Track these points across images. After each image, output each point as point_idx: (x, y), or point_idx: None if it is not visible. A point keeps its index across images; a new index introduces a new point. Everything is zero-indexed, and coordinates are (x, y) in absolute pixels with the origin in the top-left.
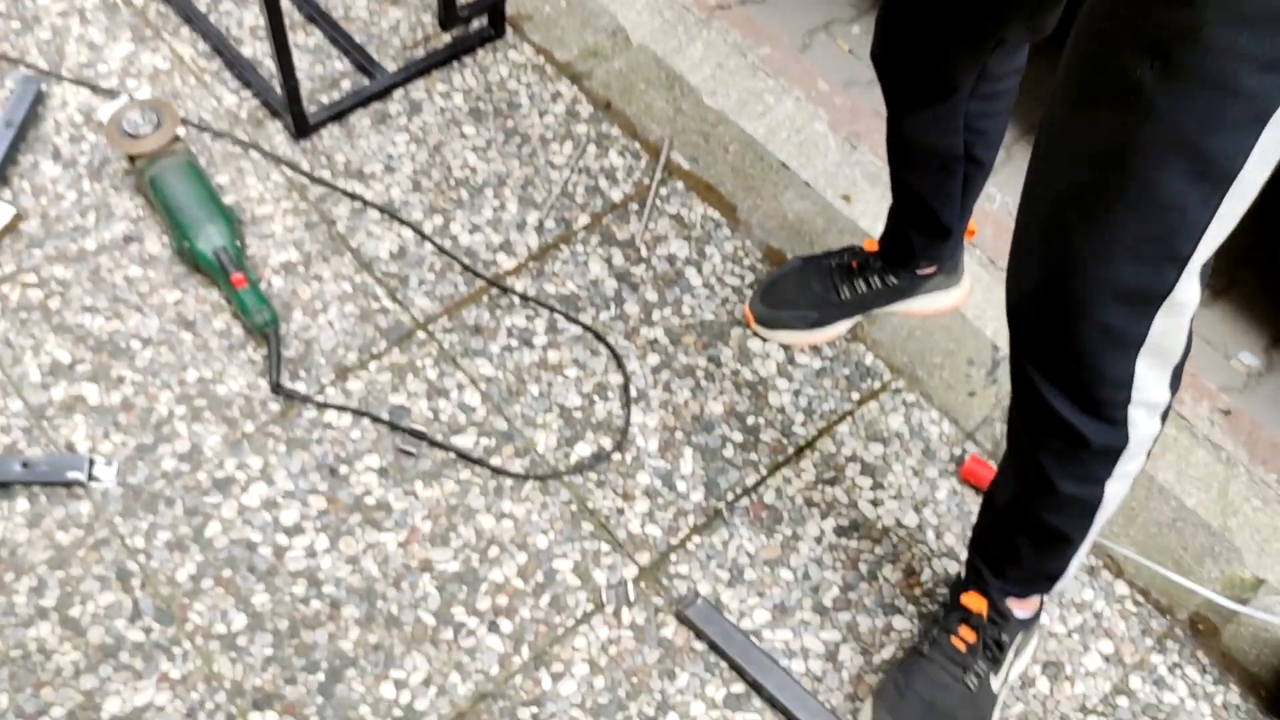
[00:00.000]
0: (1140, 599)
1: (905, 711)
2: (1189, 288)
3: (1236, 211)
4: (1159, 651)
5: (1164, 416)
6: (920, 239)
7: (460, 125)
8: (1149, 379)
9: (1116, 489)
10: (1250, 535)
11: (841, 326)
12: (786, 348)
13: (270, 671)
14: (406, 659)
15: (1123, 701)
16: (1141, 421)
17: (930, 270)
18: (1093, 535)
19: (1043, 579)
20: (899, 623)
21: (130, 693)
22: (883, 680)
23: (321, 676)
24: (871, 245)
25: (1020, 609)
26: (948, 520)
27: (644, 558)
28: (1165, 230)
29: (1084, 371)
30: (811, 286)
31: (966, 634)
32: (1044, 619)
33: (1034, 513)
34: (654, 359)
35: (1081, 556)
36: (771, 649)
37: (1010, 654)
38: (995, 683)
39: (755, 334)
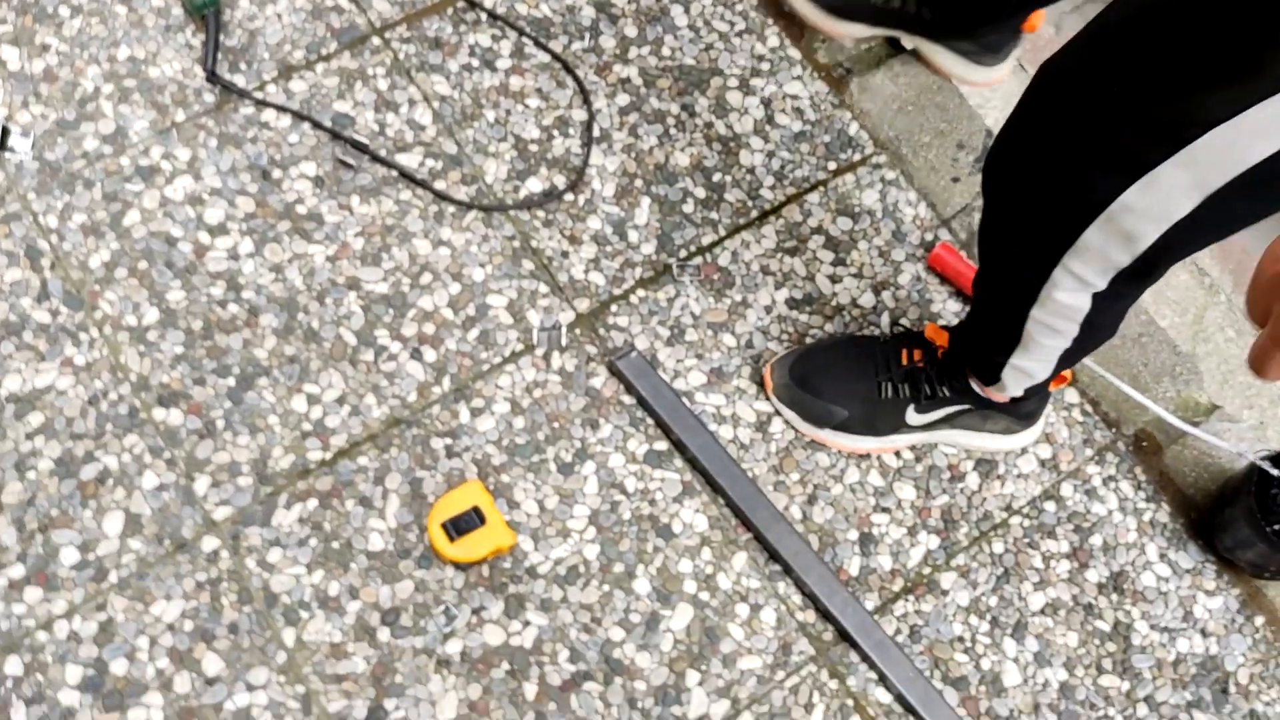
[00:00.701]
0: (1089, 409)
1: (802, 367)
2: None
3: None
4: (1097, 463)
5: (1098, 300)
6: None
7: None
8: (1089, 254)
9: (1036, 335)
10: (1217, 364)
11: (861, 30)
12: (767, 104)
13: (179, 370)
14: (322, 375)
15: (1049, 506)
16: (1063, 284)
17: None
18: (1022, 366)
19: (978, 366)
20: None
21: (31, 373)
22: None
23: (232, 381)
24: None
25: (977, 385)
26: (905, 305)
27: (583, 304)
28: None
29: (1044, 192)
30: None
31: (915, 354)
32: (1017, 442)
33: (977, 303)
34: (623, 99)
35: (1017, 380)
36: (702, 412)
37: (943, 410)
38: (910, 414)
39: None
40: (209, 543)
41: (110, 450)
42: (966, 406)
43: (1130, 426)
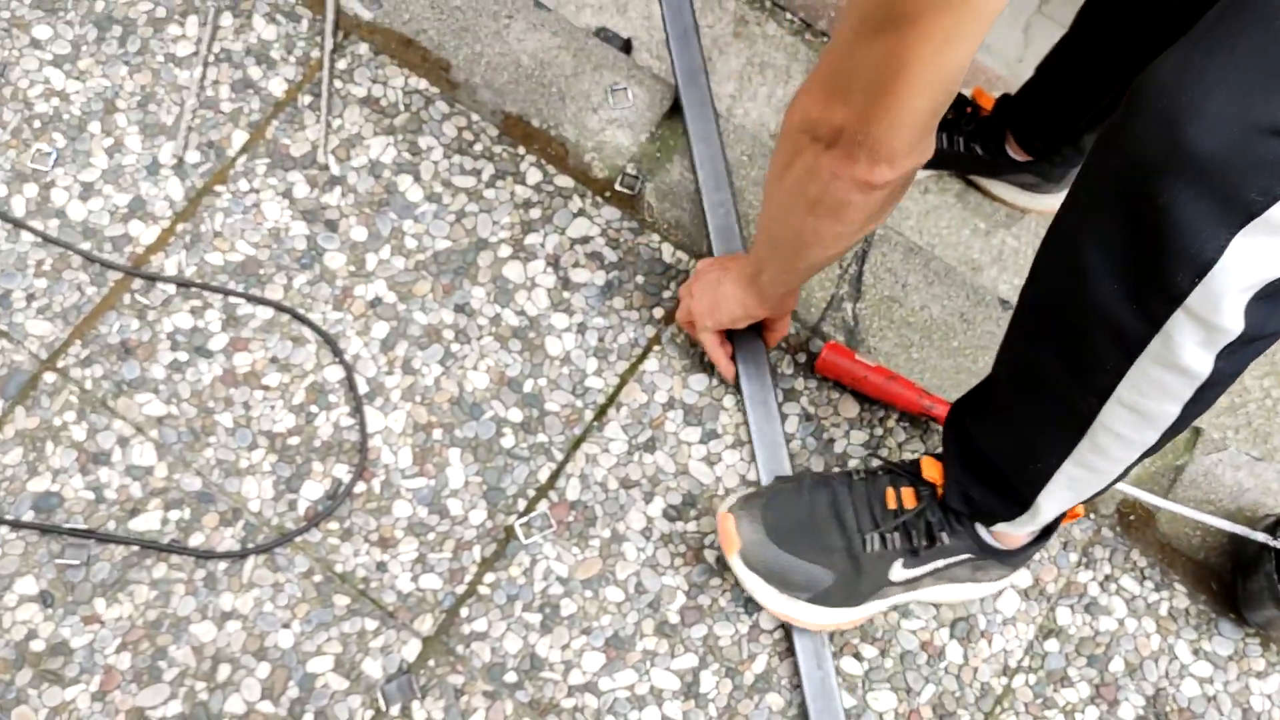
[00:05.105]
0: None
1: (774, 516)
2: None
3: None
4: (1086, 566)
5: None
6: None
7: (28, 28)
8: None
9: (1117, 424)
10: None
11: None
12: (555, 263)
13: None
14: None
15: (1052, 645)
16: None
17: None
18: (1078, 476)
19: (1003, 491)
20: (767, 622)
21: None
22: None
23: None
24: (986, 102)
25: (984, 528)
26: (816, 444)
27: (425, 624)
28: None
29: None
30: None
31: (905, 495)
32: (1000, 585)
33: (1011, 387)
34: (381, 329)
35: (1059, 500)
36: (615, 703)
37: (936, 562)
38: (896, 570)
39: None
40: None
41: None
42: (966, 556)
43: (1108, 504)
